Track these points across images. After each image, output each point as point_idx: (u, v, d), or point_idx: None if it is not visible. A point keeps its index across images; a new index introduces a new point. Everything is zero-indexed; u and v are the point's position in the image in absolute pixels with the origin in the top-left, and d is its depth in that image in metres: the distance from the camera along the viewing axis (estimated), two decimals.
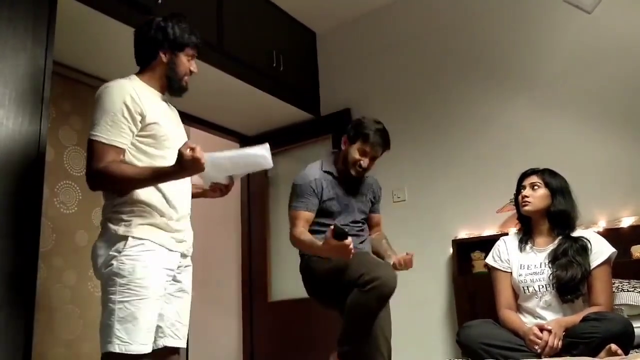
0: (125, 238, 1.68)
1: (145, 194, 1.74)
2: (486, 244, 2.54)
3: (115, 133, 1.70)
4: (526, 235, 2.38)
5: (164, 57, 1.87)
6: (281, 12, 3.81)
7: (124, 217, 1.71)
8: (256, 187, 4.21)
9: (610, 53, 2.97)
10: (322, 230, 2.32)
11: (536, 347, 2.03)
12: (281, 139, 4.05)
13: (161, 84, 1.90)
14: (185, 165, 1.63)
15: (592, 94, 3.00)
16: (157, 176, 1.71)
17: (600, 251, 2.22)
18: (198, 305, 4.53)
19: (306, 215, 2.35)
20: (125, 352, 1.61)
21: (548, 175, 2.34)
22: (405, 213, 3.52)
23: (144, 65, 1.90)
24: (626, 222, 2.76)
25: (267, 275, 4.01)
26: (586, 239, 2.24)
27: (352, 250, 2.06)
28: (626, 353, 1.87)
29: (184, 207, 1.88)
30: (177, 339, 1.84)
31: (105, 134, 1.70)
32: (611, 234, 2.58)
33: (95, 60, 2.98)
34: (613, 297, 2.26)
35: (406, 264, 2.38)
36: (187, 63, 1.92)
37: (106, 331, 1.64)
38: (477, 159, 3.31)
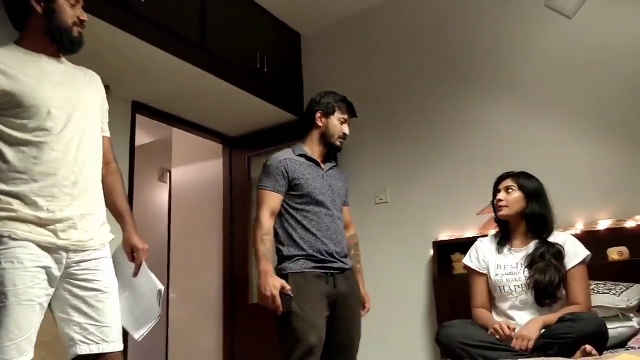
0: None
1: (7, 179, 1.51)
2: (466, 245, 2.57)
3: None
4: (504, 238, 2.41)
5: (38, 7, 1.59)
6: (265, 12, 3.81)
7: None
8: (238, 189, 4.20)
9: (590, 57, 3.02)
10: (308, 218, 2.22)
11: (497, 337, 2.09)
12: (264, 140, 4.05)
13: (44, 43, 1.63)
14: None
15: (572, 97, 3.05)
16: None
17: (576, 253, 2.26)
18: (179, 306, 4.54)
19: (274, 197, 2.23)
20: None
21: (523, 178, 2.37)
22: (387, 215, 3.54)
23: (21, 25, 1.64)
24: (603, 224, 2.80)
25: (248, 276, 4.00)
26: (561, 244, 2.27)
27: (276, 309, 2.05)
28: (600, 353, 1.89)
29: (74, 189, 1.60)
30: (94, 344, 1.58)
31: None
32: (588, 236, 2.63)
33: None
34: (591, 297, 2.30)
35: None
36: (71, 10, 1.63)
37: None
38: (458, 161, 3.34)
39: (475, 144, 3.31)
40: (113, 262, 1.72)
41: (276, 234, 2.25)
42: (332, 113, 2.35)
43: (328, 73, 4.00)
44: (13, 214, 1.49)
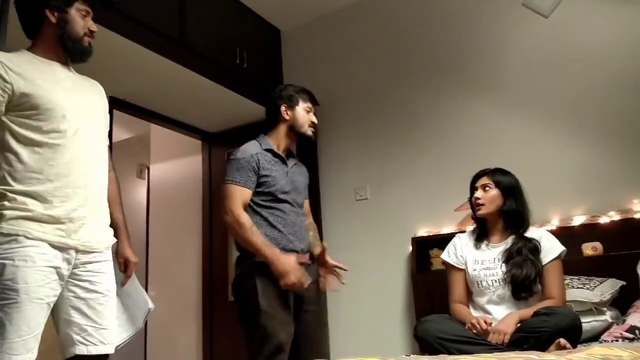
0: None
1: (23, 179, 1.56)
2: (445, 241, 2.60)
3: None
4: (482, 234, 2.44)
5: (52, 17, 1.66)
6: (245, 8, 3.78)
7: None
8: (218, 186, 4.16)
9: (566, 56, 3.08)
10: (274, 215, 2.19)
11: (474, 331, 2.13)
12: (244, 137, 3.97)
13: (57, 52, 1.70)
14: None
15: (548, 97, 3.10)
16: None
17: (552, 248, 2.30)
18: (158, 305, 4.49)
19: (245, 193, 2.16)
20: None
21: (499, 175, 2.40)
22: (367, 211, 3.56)
23: (34, 34, 1.70)
24: (578, 220, 2.86)
25: (227, 274, 3.98)
26: (537, 239, 2.31)
27: (302, 286, 2.04)
28: (574, 347, 1.93)
29: (86, 191, 1.65)
30: (92, 346, 1.62)
31: None
32: (563, 232, 2.68)
33: None
34: (565, 292, 2.34)
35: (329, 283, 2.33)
36: (82, 21, 1.70)
37: None
38: (437, 158, 3.37)
39: (453, 142, 3.34)
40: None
41: None
42: (297, 104, 2.33)
43: (308, 70, 3.99)
44: (28, 214, 1.53)
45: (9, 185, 1.55)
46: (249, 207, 2.20)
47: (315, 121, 2.37)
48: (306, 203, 2.45)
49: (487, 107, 3.28)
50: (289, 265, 2.06)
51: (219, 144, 4.19)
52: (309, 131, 2.35)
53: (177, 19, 3.16)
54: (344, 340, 3.45)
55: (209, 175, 4.20)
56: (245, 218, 2.12)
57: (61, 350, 1.64)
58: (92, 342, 1.63)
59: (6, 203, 1.53)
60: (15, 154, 1.57)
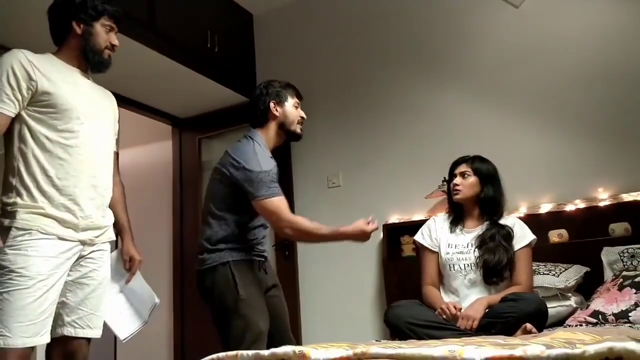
0: (8, 229, 1.64)
1: (37, 179, 1.70)
2: (415, 228, 2.62)
3: None
4: (457, 219, 2.48)
5: (77, 29, 1.81)
6: None
7: (8, 208, 1.67)
8: (188, 173, 4.11)
9: (537, 48, 3.11)
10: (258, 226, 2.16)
11: (443, 316, 2.17)
12: (216, 122, 3.98)
13: (79, 60, 1.85)
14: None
15: (518, 86, 3.14)
16: None
17: (523, 235, 2.36)
18: None
19: (283, 200, 2.07)
20: (5, 346, 1.56)
21: (478, 163, 2.43)
22: (339, 198, 3.57)
23: (60, 41, 1.85)
24: (545, 208, 2.92)
25: None
26: (510, 227, 2.36)
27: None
28: (540, 331, 1.98)
29: (93, 191, 1.81)
30: (79, 329, 1.78)
31: None
32: (531, 219, 2.73)
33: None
34: (533, 278, 2.40)
35: None
36: (105, 35, 1.85)
37: None
38: (408, 146, 3.39)
39: (425, 130, 3.36)
40: (110, 266, 1.94)
41: (226, 226, 2.12)
42: (286, 100, 2.24)
43: (281, 55, 3.96)
44: (42, 211, 1.67)
45: (23, 179, 1.69)
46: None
47: (305, 117, 2.30)
48: None
49: (457, 96, 3.30)
50: (357, 227, 2.06)
51: (190, 130, 4.13)
52: (299, 129, 2.27)
53: (147, 2, 3.08)
54: (314, 327, 3.47)
55: (179, 161, 4.14)
56: (301, 221, 2.06)
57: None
58: (80, 325, 1.78)
59: (19, 200, 1.67)
60: (30, 148, 1.70)
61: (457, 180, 2.42)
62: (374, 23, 3.65)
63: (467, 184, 2.40)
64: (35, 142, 1.71)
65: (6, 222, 1.65)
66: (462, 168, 2.44)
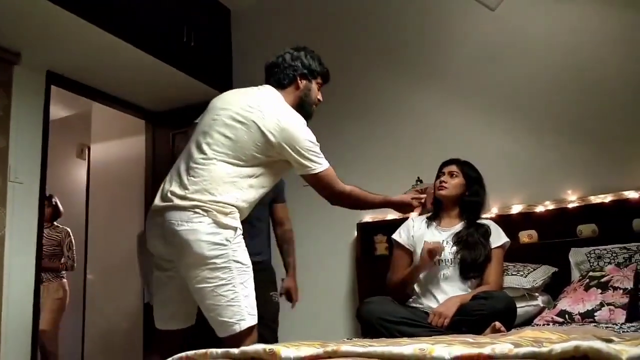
0: (234, 228, 1.83)
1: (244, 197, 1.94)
2: (389, 227, 2.65)
3: None
4: (434, 216, 2.51)
5: (300, 84, 2.05)
6: None
7: (227, 210, 1.85)
8: (162, 168, 4.05)
9: (512, 49, 3.16)
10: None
11: (436, 258, 2.30)
12: (190, 117, 3.85)
13: (293, 107, 2.03)
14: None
15: (491, 88, 3.18)
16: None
17: (498, 236, 2.40)
18: (97, 287, 4.36)
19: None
20: (254, 324, 1.76)
21: (467, 168, 2.49)
22: (313, 197, 3.53)
23: (282, 88, 2.05)
24: (515, 209, 2.97)
25: None
26: (487, 226, 2.40)
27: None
28: (509, 330, 2.01)
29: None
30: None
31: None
32: (502, 220, 2.77)
33: None
34: (503, 278, 2.43)
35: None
36: (317, 91, 2.11)
37: (233, 311, 1.73)
38: (384, 145, 3.41)
39: (399, 130, 3.38)
40: None
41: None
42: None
43: (258, 51, 3.91)
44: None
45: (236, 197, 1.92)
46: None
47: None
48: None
49: (431, 96, 3.33)
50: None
51: (164, 125, 4.07)
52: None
53: None
54: (287, 325, 3.46)
55: (153, 156, 4.08)
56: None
57: (185, 320, 1.92)
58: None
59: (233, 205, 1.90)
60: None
61: (445, 177, 2.47)
62: (352, 22, 3.65)
63: (453, 184, 2.45)
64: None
65: (227, 220, 1.83)
66: (452, 168, 2.49)
